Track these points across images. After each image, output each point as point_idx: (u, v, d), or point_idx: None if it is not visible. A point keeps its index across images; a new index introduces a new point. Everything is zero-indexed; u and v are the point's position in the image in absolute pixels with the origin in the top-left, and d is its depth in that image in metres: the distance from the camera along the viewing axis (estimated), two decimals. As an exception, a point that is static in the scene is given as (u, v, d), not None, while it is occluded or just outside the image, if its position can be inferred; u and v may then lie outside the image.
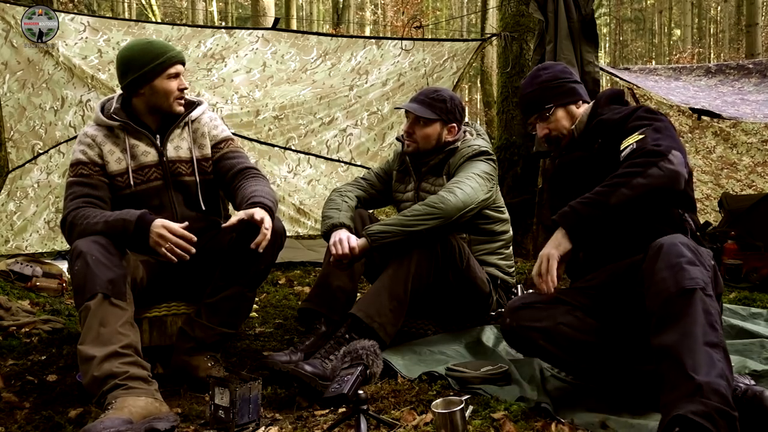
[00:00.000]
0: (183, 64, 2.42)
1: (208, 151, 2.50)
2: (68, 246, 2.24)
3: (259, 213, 2.14)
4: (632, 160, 1.83)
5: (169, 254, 2.10)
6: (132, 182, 2.38)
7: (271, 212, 2.22)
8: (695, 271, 1.58)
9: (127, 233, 2.13)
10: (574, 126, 2.17)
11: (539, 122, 2.21)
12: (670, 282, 1.58)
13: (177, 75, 2.38)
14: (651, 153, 1.80)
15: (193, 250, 2.12)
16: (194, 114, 2.49)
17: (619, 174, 1.82)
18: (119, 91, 2.48)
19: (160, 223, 2.12)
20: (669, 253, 1.63)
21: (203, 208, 2.47)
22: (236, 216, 2.15)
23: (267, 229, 2.13)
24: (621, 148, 1.91)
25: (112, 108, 2.42)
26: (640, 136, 1.88)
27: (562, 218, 1.87)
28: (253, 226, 2.14)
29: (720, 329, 1.53)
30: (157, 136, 2.43)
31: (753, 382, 1.77)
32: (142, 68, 2.32)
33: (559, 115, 2.18)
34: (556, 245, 1.85)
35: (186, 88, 2.43)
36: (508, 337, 2.03)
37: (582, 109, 2.20)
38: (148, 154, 2.41)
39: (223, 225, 2.19)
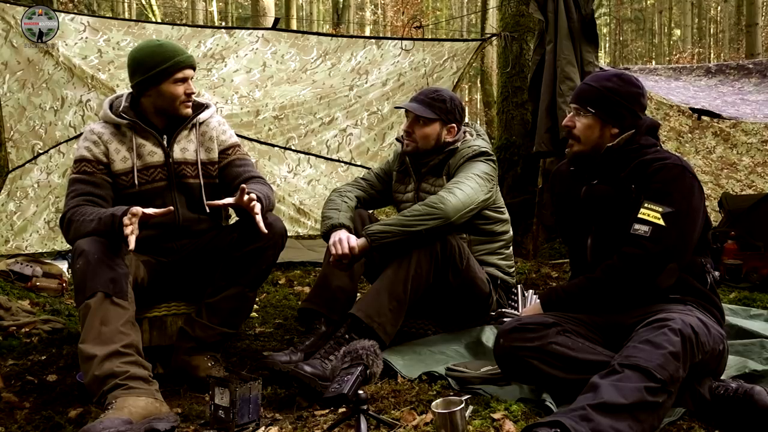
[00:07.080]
0: (192, 68, 2.40)
1: (214, 155, 2.50)
2: (68, 245, 2.24)
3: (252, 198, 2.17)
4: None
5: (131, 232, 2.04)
6: (136, 182, 2.37)
7: (260, 202, 2.23)
8: (672, 365, 1.65)
9: (114, 228, 2.08)
10: (595, 145, 2.09)
11: (575, 114, 2.12)
12: (645, 357, 1.66)
13: (185, 80, 2.36)
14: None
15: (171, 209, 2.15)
16: (202, 116, 2.49)
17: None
18: (128, 89, 2.47)
19: (134, 208, 2.07)
20: (664, 335, 1.70)
21: (207, 210, 2.46)
22: (230, 200, 2.21)
23: (255, 208, 2.16)
24: (636, 219, 1.94)
25: (121, 106, 2.41)
26: (658, 221, 1.90)
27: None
28: (253, 227, 2.16)
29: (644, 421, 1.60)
30: (164, 136, 2.43)
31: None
32: (150, 71, 2.32)
33: (589, 123, 2.09)
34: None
35: (193, 93, 2.41)
36: (501, 360, 2.02)
37: (616, 137, 2.08)
38: (154, 154, 2.41)
39: (221, 201, 2.24)
